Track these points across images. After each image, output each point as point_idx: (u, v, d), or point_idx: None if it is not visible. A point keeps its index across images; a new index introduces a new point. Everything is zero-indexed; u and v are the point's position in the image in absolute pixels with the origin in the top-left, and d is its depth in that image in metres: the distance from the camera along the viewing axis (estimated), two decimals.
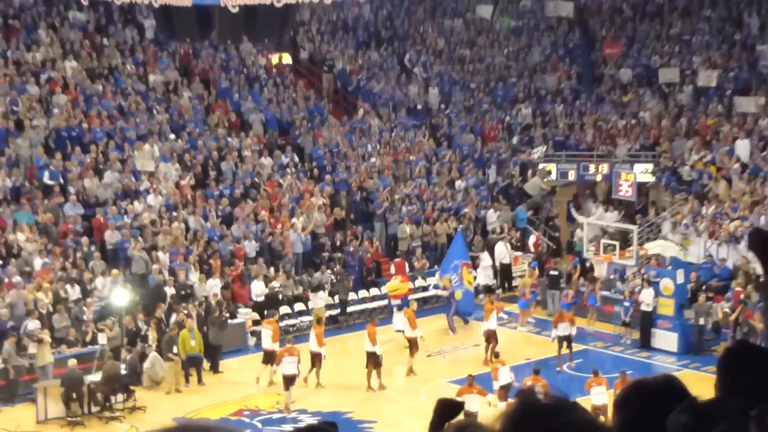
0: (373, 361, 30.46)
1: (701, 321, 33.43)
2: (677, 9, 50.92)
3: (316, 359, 30.62)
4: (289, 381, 29.38)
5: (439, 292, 36.32)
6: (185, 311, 31.60)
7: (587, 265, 37.43)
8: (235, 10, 21.98)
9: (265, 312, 32.66)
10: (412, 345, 31.76)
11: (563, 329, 32.11)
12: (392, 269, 37.25)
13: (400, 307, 33.83)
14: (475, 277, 36.26)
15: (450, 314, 34.98)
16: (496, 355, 30.15)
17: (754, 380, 4.09)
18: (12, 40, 40.11)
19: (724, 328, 32.37)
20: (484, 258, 37.81)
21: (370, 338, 30.50)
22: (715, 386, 4.18)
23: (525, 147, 44.17)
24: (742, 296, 32.98)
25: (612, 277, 36.90)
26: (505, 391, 27.76)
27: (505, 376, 28.32)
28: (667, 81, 46.17)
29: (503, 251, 38.69)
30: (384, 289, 35.99)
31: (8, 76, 38.40)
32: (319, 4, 24.41)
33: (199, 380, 31.08)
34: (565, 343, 32.11)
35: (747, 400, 3.96)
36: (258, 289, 34.38)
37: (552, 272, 37.02)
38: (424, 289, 37.56)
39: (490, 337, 32.37)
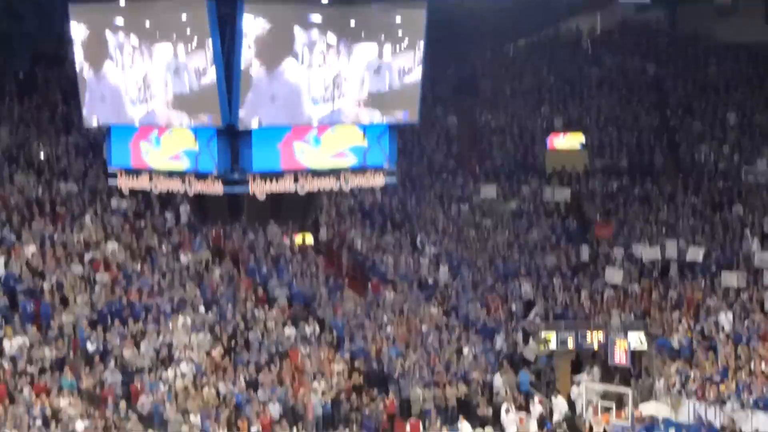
0: None
1: None
2: (664, 195, 51.76)
3: None
4: None
5: None
6: None
7: (587, 425, 37.55)
8: (262, 197, 22.61)
9: None
10: None
11: None
12: (407, 429, 37.37)
13: None
14: None
15: None
16: None
17: None
18: (59, 225, 40.92)
19: None
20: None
21: None
22: None
23: (526, 317, 44.57)
24: None
25: None
26: None
27: None
28: (651, 260, 46.72)
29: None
30: None
31: (55, 257, 39.08)
32: (339, 190, 25.05)
33: None
34: None
35: None
36: None
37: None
38: None
39: None
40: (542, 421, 38.40)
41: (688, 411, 37.20)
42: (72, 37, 24.30)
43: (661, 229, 48.89)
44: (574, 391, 40.36)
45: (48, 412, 32.80)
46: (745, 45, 58.78)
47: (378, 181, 24.36)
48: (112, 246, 40.41)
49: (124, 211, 42.85)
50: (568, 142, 55.31)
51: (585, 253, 48.33)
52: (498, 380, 40.24)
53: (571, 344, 43.50)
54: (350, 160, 23.48)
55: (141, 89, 22.55)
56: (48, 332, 35.96)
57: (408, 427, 37.34)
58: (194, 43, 21.49)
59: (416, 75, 23.21)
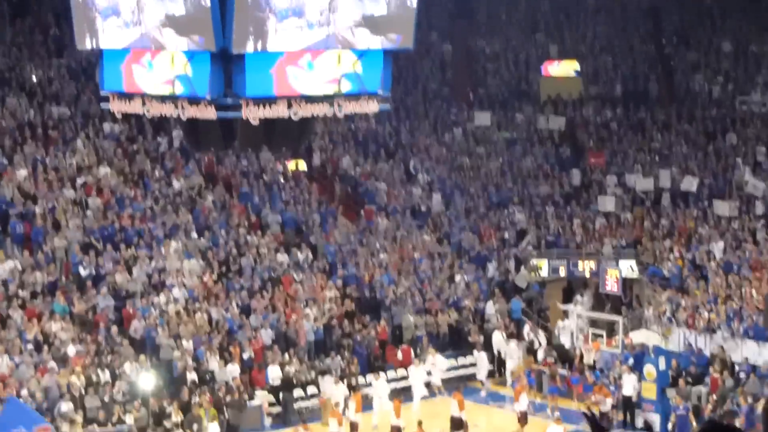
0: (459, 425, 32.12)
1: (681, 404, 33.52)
2: (657, 123, 51.60)
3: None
4: None
5: None
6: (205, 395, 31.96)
7: (578, 352, 37.71)
8: (255, 123, 22.29)
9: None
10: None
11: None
12: (399, 355, 37.51)
13: None
14: None
15: None
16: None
17: None
18: (51, 149, 40.68)
19: None
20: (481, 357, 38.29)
21: (459, 405, 32.35)
22: None
23: (518, 245, 44.58)
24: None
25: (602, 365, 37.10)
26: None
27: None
28: (644, 190, 46.66)
29: (499, 340, 38.91)
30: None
31: (47, 181, 38.89)
32: (332, 117, 24.71)
33: None
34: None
35: None
36: (274, 374, 34.56)
37: (549, 358, 37.33)
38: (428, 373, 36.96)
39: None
40: (531, 348, 38.61)
41: (678, 339, 37.26)
42: None
43: (654, 158, 48.79)
44: (560, 325, 40.40)
45: (40, 336, 32.77)
46: None
47: (372, 107, 23.97)
48: (104, 170, 40.23)
49: (117, 136, 42.63)
50: (562, 69, 55.06)
51: (578, 181, 48.31)
52: (490, 308, 40.32)
53: (562, 272, 43.56)
54: (344, 86, 23.11)
55: (134, 12, 22.18)
56: (40, 256, 35.85)
57: (399, 354, 37.45)
58: None
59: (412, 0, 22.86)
